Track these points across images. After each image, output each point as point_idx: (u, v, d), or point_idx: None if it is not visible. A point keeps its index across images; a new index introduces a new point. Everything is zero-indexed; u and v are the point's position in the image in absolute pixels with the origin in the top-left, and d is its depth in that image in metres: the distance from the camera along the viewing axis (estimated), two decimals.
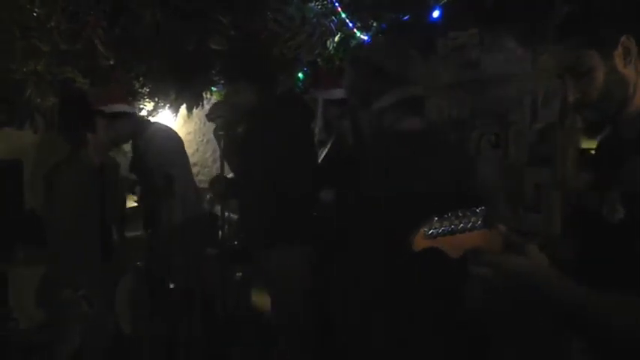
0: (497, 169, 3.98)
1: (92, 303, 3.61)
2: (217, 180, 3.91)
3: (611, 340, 1.51)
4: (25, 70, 4.36)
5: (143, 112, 5.08)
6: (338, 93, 3.75)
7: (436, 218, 1.68)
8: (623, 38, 1.60)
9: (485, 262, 1.70)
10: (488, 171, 3.93)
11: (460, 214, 1.68)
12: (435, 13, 4.00)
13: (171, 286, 4.31)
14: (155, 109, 5.21)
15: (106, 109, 3.72)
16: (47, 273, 3.79)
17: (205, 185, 5.81)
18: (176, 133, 4.35)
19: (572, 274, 1.57)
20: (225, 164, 3.81)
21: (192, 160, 5.98)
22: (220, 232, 4.61)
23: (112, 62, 4.43)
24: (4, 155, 5.00)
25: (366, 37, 4.15)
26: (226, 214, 4.28)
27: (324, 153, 3.89)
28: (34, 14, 4.18)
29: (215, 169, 5.89)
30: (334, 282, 3.05)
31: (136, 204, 4.66)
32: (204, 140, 6.25)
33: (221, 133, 3.69)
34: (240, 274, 4.68)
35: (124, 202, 4.29)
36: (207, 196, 5.22)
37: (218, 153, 4.55)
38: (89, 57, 4.41)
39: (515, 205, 3.84)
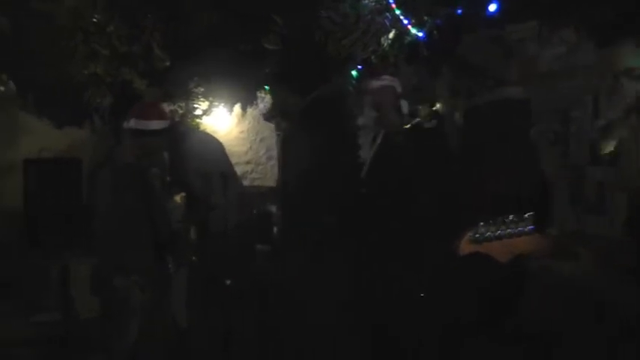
0: (556, 167, 3.83)
1: (144, 289, 3.69)
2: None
3: None
4: (85, 72, 4.50)
5: (198, 112, 5.14)
6: (389, 82, 3.68)
7: (482, 223, 1.63)
8: None
9: (535, 267, 1.64)
10: (547, 170, 3.80)
11: (507, 220, 1.64)
12: (492, 7, 3.87)
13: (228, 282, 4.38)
14: (209, 108, 5.26)
15: (140, 127, 3.81)
16: (98, 263, 3.91)
17: (259, 183, 5.89)
18: (214, 137, 4.38)
19: (633, 281, 1.50)
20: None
21: (245, 158, 6.05)
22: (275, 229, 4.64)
23: (168, 64, 4.51)
24: (64, 153, 5.17)
25: (420, 34, 4.07)
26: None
27: (374, 147, 3.83)
28: (94, 20, 4.29)
29: (269, 167, 5.92)
30: (379, 288, 3.03)
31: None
32: (258, 139, 6.29)
33: (279, 133, 3.69)
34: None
35: (167, 201, 4.32)
36: (262, 194, 5.24)
37: (272, 151, 4.59)
38: (146, 59, 4.50)
39: (574, 206, 3.70)
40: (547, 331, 2.77)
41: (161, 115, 3.97)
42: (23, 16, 4.25)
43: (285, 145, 3.69)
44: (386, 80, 3.66)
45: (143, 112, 3.86)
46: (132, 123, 3.76)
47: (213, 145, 4.17)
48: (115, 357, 3.82)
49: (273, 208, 4.53)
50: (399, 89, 3.66)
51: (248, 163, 5.91)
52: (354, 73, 4.35)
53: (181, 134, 4.19)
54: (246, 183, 5.41)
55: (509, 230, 1.64)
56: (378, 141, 3.70)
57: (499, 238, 1.63)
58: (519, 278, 2.19)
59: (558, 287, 2.13)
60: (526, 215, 1.63)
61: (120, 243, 3.67)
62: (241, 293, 4.29)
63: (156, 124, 3.84)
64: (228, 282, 4.33)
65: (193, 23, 4.29)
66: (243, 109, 5.20)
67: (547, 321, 2.77)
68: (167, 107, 4.56)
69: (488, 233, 1.63)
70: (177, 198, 4.70)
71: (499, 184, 2.23)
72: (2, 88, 4.59)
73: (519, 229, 1.63)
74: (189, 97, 4.92)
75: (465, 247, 1.66)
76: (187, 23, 4.32)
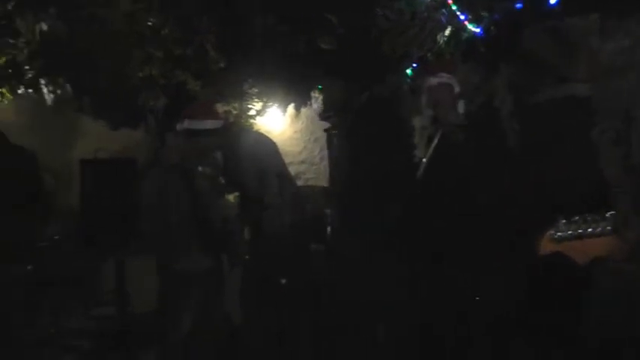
0: (619, 168, 3.71)
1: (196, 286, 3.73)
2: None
3: None
4: (140, 75, 4.56)
5: (252, 112, 5.17)
6: (447, 80, 3.61)
7: (564, 221, 1.58)
8: None
9: (611, 271, 1.58)
10: (611, 171, 3.68)
11: (589, 218, 1.58)
12: None
13: (282, 281, 4.39)
14: (263, 108, 5.28)
15: (193, 127, 3.83)
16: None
17: (313, 182, 5.88)
18: (268, 137, 4.38)
19: None
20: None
21: (299, 157, 6.05)
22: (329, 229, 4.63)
23: (222, 65, 4.53)
24: (120, 153, 5.26)
25: (477, 30, 3.98)
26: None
27: (431, 147, 3.77)
28: (149, 24, 4.34)
29: (323, 167, 5.91)
30: (435, 290, 2.97)
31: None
32: (312, 139, 6.28)
33: (334, 132, 3.67)
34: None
35: (217, 201, 4.34)
36: (316, 193, 5.23)
37: (326, 151, 4.57)
38: (200, 61, 4.54)
39: (637, 208, 3.56)
40: (615, 338, 2.68)
41: (214, 115, 4.00)
42: (79, 21, 4.32)
43: (340, 144, 3.67)
44: (444, 78, 3.60)
45: (196, 112, 3.90)
46: (185, 123, 3.81)
47: (268, 145, 4.19)
48: (168, 350, 3.88)
49: (328, 208, 4.53)
50: (457, 87, 3.59)
51: (302, 163, 5.91)
52: (408, 71, 4.30)
53: (237, 134, 4.22)
54: (300, 183, 5.41)
55: (589, 230, 1.58)
56: (436, 140, 3.64)
57: (579, 237, 1.58)
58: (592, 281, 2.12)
59: (630, 292, 2.06)
60: (608, 214, 1.57)
61: (168, 242, 3.72)
62: (295, 293, 4.30)
63: (210, 124, 3.87)
64: (282, 281, 4.36)
65: (248, 25, 4.30)
66: (297, 109, 5.20)
67: (615, 327, 2.68)
68: (221, 108, 4.60)
69: (569, 232, 1.58)
70: (231, 197, 4.75)
71: (559, 184, 2.16)
72: (59, 92, 4.67)
73: (599, 229, 1.57)
74: (243, 97, 4.95)
75: (546, 245, 1.61)
76: (242, 25, 4.33)
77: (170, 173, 3.82)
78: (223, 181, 4.39)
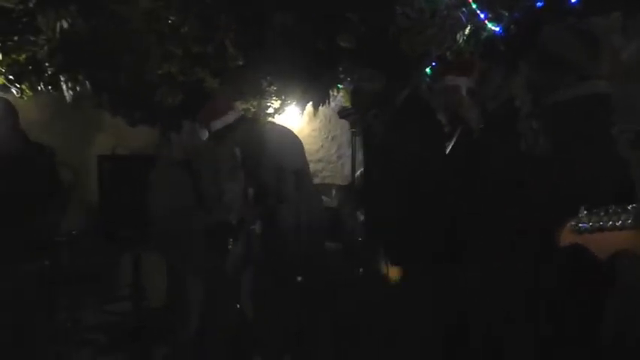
0: (636, 169, 3.65)
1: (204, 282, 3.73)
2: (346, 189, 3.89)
3: None
4: (159, 72, 4.58)
5: (270, 110, 5.17)
6: (464, 82, 3.60)
7: (585, 212, 1.56)
8: None
9: (635, 265, 1.55)
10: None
11: (610, 210, 1.55)
12: None
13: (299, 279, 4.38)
14: (282, 106, 5.28)
15: (218, 126, 3.88)
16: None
17: (329, 180, 5.87)
18: (291, 132, 4.36)
19: None
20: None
21: (317, 156, 6.05)
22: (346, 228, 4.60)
23: (241, 63, 4.54)
24: (137, 150, 5.28)
25: (497, 29, 3.96)
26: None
27: (449, 146, 3.76)
28: (169, 22, 4.35)
29: (340, 165, 5.91)
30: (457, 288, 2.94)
31: None
32: (330, 137, 6.28)
33: (354, 130, 3.63)
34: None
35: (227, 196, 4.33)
36: (333, 192, 5.22)
37: (343, 150, 4.56)
38: (219, 58, 4.54)
39: None
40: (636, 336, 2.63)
41: (231, 107, 4.03)
42: (100, 18, 4.34)
43: (370, 142, 3.63)
44: (448, 80, 3.60)
45: (216, 111, 3.93)
46: (211, 126, 3.90)
47: (289, 139, 4.17)
48: (178, 347, 3.88)
49: (344, 206, 4.51)
50: (464, 88, 3.58)
51: (319, 161, 5.92)
52: (428, 70, 4.28)
53: (257, 127, 4.22)
54: (317, 181, 5.41)
55: (610, 222, 1.55)
56: (452, 142, 3.64)
57: (601, 229, 1.55)
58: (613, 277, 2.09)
59: None
60: (630, 207, 1.54)
61: (174, 238, 3.73)
62: (311, 291, 4.29)
63: (231, 116, 3.91)
64: (299, 279, 4.35)
65: (267, 23, 4.30)
66: (315, 107, 5.19)
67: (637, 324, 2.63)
68: (240, 105, 4.61)
69: (590, 223, 1.55)
70: (237, 189, 4.75)
71: (579, 187, 2.12)
72: (78, 89, 4.70)
73: (620, 221, 1.54)
74: (261, 95, 4.96)
75: (566, 236, 1.58)
76: (261, 23, 4.33)
77: (172, 170, 3.83)
78: (239, 176, 4.41)
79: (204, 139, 4.55)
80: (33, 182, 3.80)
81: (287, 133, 4.25)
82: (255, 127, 4.20)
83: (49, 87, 4.70)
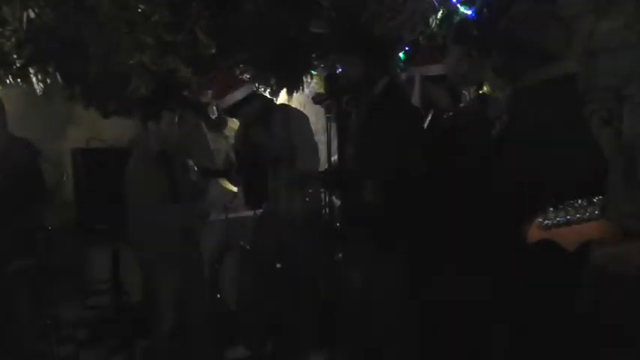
0: (610, 148, 3.69)
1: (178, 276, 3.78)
2: (329, 170, 3.89)
3: None
4: (131, 62, 4.52)
5: None
6: (435, 69, 3.63)
7: (551, 209, 1.57)
8: None
9: (604, 254, 1.58)
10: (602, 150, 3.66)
11: (576, 205, 1.58)
12: None
13: (278, 265, 4.40)
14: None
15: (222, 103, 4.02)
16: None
17: None
18: (302, 112, 4.44)
19: None
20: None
21: None
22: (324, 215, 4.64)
23: (213, 51, 4.50)
24: (112, 142, 5.24)
25: (469, 12, 3.95)
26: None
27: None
28: (139, 10, 4.30)
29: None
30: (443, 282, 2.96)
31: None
32: None
33: (329, 116, 3.63)
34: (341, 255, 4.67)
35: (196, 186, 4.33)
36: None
37: (318, 136, 4.54)
38: (191, 47, 4.50)
39: (632, 188, 3.56)
40: (612, 324, 2.67)
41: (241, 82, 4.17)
42: (67, 7, 4.26)
43: (357, 130, 3.63)
44: (420, 68, 3.64)
45: (223, 89, 4.09)
46: (224, 102, 4.07)
47: (300, 116, 4.33)
48: (156, 341, 3.89)
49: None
50: (418, 78, 3.63)
51: None
52: (401, 55, 4.27)
53: (269, 103, 4.34)
54: None
55: (578, 215, 1.58)
56: (426, 124, 3.66)
57: (568, 223, 1.57)
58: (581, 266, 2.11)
59: (626, 278, 2.04)
60: (595, 199, 1.56)
61: (148, 229, 3.72)
62: (293, 280, 4.30)
63: (244, 91, 4.09)
64: (278, 265, 4.37)
65: (238, 9, 4.26)
66: (290, 94, 5.18)
67: (612, 313, 2.68)
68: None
69: (557, 219, 1.57)
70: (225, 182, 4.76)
71: (554, 169, 2.13)
72: (49, 81, 4.63)
73: (587, 214, 1.57)
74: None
75: (534, 233, 1.61)
76: (233, 9, 4.29)
77: (149, 160, 3.80)
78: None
79: (213, 117, 4.63)
80: (21, 179, 3.78)
81: (298, 112, 4.39)
82: (267, 103, 4.32)
83: (18, 80, 4.61)
